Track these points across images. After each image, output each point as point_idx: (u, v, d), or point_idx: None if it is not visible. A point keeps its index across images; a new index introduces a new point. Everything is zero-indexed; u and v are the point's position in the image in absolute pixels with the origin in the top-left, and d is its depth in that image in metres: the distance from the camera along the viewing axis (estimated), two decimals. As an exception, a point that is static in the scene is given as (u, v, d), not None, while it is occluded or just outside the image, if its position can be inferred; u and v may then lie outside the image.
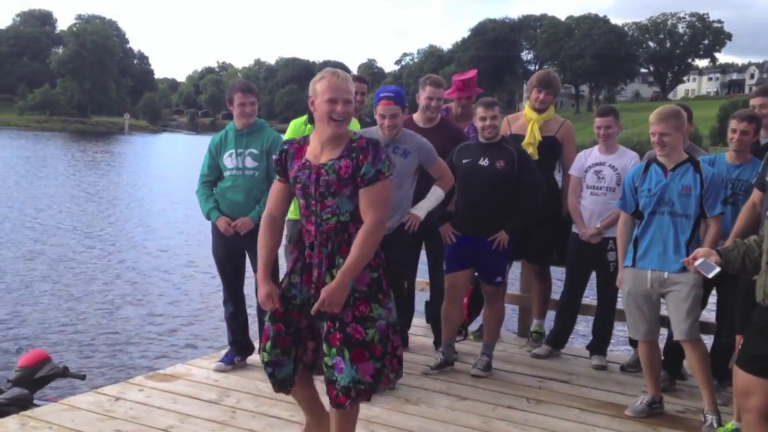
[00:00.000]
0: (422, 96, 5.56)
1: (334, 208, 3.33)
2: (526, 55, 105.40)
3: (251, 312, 5.66)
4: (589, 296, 6.14)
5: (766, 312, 3.45)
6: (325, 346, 3.35)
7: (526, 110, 5.96)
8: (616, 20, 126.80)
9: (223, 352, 5.54)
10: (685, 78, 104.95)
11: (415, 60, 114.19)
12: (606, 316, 5.74)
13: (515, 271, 6.61)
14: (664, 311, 4.75)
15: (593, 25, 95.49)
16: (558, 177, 6.12)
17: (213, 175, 5.42)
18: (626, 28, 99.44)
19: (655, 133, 4.58)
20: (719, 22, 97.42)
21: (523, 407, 4.82)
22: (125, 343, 9.71)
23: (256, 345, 4.77)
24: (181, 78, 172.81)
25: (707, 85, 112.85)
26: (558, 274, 6.30)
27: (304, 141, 3.51)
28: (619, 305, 5.34)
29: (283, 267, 4.11)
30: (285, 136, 5.52)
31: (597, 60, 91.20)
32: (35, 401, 5.16)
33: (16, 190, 26.33)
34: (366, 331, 3.31)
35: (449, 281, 5.42)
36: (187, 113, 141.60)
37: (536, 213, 5.46)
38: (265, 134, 5.34)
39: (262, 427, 4.28)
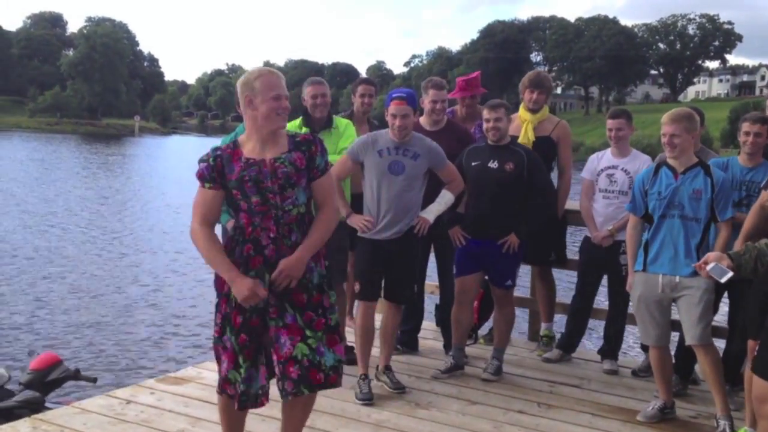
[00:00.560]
0: (426, 100, 5.56)
1: (294, 199, 3.40)
2: (536, 57, 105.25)
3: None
4: (600, 300, 6.11)
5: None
6: (308, 332, 3.40)
7: (521, 111, 5.94)
8: (625, 21, 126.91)
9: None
10: (695, 80, 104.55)
11: (424, 62, 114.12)
12: (618, 321, 5.71)
13: (525, 275, 6.60)
14: (675, 315, 4.73)
15: (603, 26, 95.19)
16: (553, 176, 6.07)
17: (223, 178, 5.40)
18: (636, 30, 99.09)
19: (666, 133, 4.56)
20: (730, 23, 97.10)
21: (534, 412, 4.81)
22: (136, 346, 9.75)
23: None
24: (190, 80, 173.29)
25: (718, 87, 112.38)
26: (567, 277, 6.28)
27: (234, 144, 3.49)
28: (631, 309, 5.31)
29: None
30: None
31: (606, 61, 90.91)
32: (47, 404, 5.19)
33: (31, 191, 26.46)
34: (330, 317, 3.50)
35: (459, 285, 5.41)
36: (197, 115, 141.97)
37: (546, 216, 5.46)
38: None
39: (272, 431, 4.28)
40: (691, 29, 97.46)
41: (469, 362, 5.63)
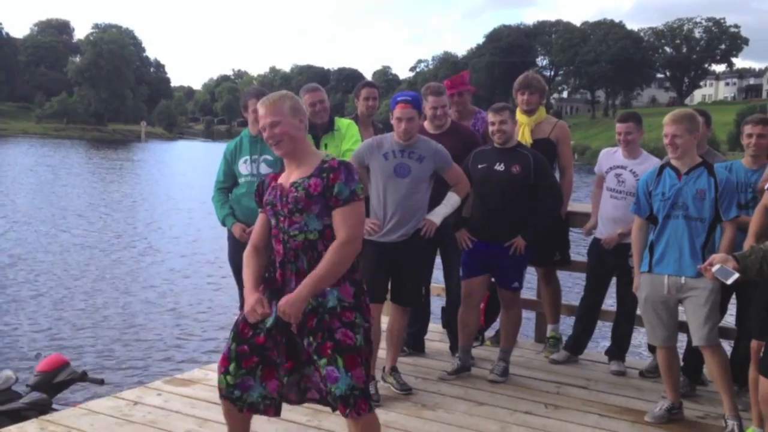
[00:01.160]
0: (427, 107, 5.55)
1: (302, 225, 3.31)
2: (542, 61, 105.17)
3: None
4: (608, 302, 6.10)
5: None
6: (322, 361, 3.29)
7: (518, 115, 5.94)
8: (632, 25, 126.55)
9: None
10: (701, 83, 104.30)
11: (430, 67, 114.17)
12: (626, 322, 5.70)
13: (531, 277, 6.59)
14: (682, 316, 4.72)
15: (609, 30, 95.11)
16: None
17: (228, 182, 5.43)
18: (642, 34, 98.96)
19: (667, 134, 4.57)
20: (736, 26, 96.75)
21: (541, 413, 4.80)
22: (143, 348, 9.77)
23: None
24: (197, 86, 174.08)
25: (724, 90, 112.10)
26: (573, 279, 6.28)
27: (280, 171, 3.53)
28: (638, 311, 5.30)
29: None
30: None
31: (613, 65, 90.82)
32: (54, 406, 5.21)
33: (42, 196, 26.57)
34: (356, 336, 3.31)
35: (466, 287, 5.40)
36: (203, 120, 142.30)
37: (553, 218, 5.46)
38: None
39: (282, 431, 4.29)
40: (697, 33, 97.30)
41: (476, 364, 5.63)
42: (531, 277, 6.50)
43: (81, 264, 15.09)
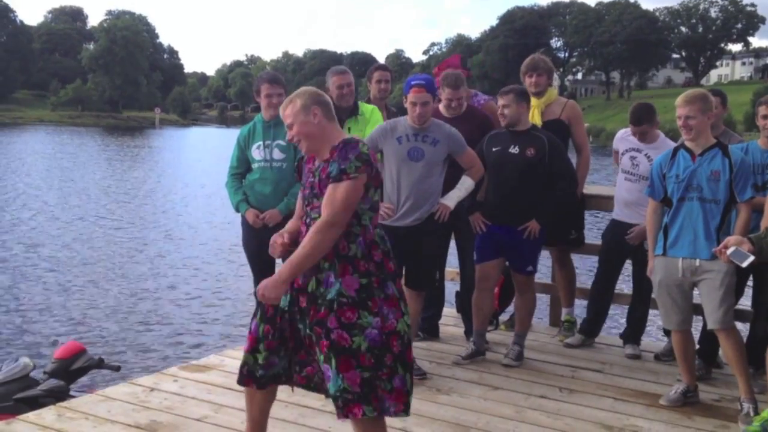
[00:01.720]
0: (443, 96, 5.52)
1: (320, 210, 3.29)
2: (556, 43, 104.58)
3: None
4: (622, 285, 6.08)
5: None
6: (320, 357, 3.27)
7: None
8: (647, 5, 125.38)
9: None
10: (717, 63, 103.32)
11: (443, 50, 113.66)
12: (641, 305, 5.68)
13: (546, 261, 6.57)
14: (697, 299, 4.69)
15: (624, 10, 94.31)
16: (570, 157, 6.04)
17: (242, 168, 5.44)
18: (657, 13, 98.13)
19: (681, 116, 4.53)
20: (752, 5, 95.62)
21: (556, 396, 4.80)
22: (160, 335, 9.83)
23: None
24: (210, 72, 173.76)
25: (740, 70, 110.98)
26: (588, 262, 6.25)
27: None
28: (653, 294, 5.28)
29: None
30: None
31: (628, 46, 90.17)
32: (71, 392, 5.26)
33: (58, 184, 26.73)
34: (352, 338, 3.17)
35: (480, 271, 5.39)
36: (217, 107, 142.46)
37: (567, 201, 5.43)
38: (293, 125, 5.34)
39: (295, 417, 4.31)
40: (713, 12, 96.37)
41: (491, 348, 5.63)
42: (545, 260, 6.49)
43: (97, 251, 15.18)
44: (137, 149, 49.35)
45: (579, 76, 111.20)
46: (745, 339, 4.81)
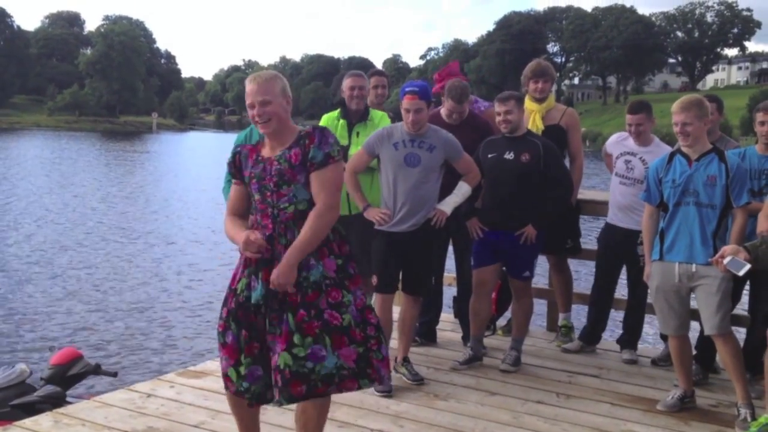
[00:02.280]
0: (445, 105, 5.53)
1: (290, 197, 3.33)
2: (552, 48, 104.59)
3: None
4: (619, 290, 6.08)
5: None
6: (296, 337, 3.25)
7: (527, 102, 5.90)
8: (643, 10, 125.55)
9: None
10: (714, 68, 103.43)
11: (440, 54, 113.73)
12: (637, 310, 5.68)
13: (542, 266, 6.58)
14: (694, 304, 4.69)
15: (620, 15, 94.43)
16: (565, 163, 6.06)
17: (239, 173, 5.43)
18: (654, 18, 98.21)
19: (677, 122, 4.53)
20: (748, 10, 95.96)
21: (553, 402, 4.80)
22: (156, 341, 9.82)
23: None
24: (207, 77, 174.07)
25: (737, 75, 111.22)
26: (585, 267, 6.25)
27: (258, 143, 3.54)
28: (650, 299, 5.28)
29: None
30: None
31: (624, 51, 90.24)
32: (68, 398, 5.25)
33: (55, 189, 26.71)
34: (342, 316, 3.31)
35: (477, 276, 5.40)
36: (214, 111, 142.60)
37: (563, 206, 5.44)
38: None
39: (292, 423, 4.28)
40: (709, 17, 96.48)
41: (488, 353, 5.62)
42: (542, 265, 6.50)
43: (94, 256, 15.17)
44: (134, 154, 49.31)
45: (576, 80, 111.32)
46: (741, 344, 4.81)
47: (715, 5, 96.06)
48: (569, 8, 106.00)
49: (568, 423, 4.46)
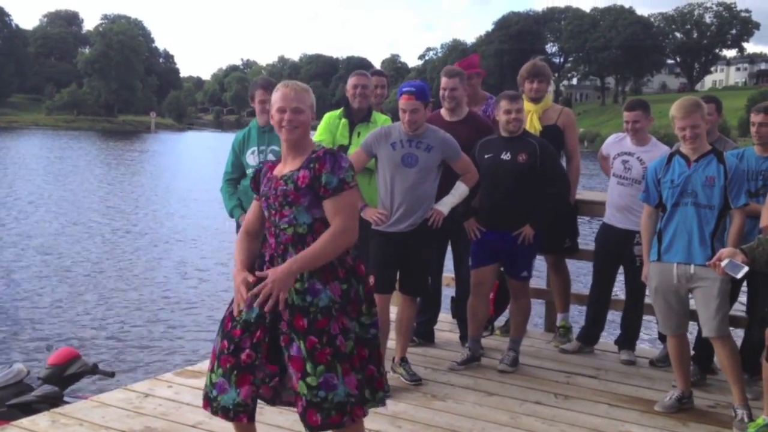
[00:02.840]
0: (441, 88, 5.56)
1: (291, 219, 3.27)
2: (551, 48, 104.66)
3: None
4: (617, 290, 6.09)
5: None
6: (309, 366, 3.19)
7: (524, 103, 5.90)
8: (642, 11, 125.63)
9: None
10: (712, 68, 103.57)
11: (439, 54, 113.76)
12: (635, 311, 5.69)
13: (540, 266, 6.58)
14: (693, 305, 4.70)
15: (618, 16, 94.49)
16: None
17: (236, 173, 5.43)
18: (652, 19, 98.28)
19: (685, 127, 4.51)
20: (747, 11, 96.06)
21: (551, 403, 4.80)
22: (154, 340, 9.82)
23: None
24: (206, 76, 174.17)
25: (735, 76, 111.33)
26: (582, 268, 6.25)
27: (278, 160, 3.49)
28: (647, 300, 5.28)
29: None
30: (318, 129, 5.53)
31: (623, 51, 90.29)
32: (65, 398, 5.24)
33: (53, 189, 26.69)
34: (347, 342, 3.27)
35: (475, 277, 5.40)
36: (212, 111, 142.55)
37: (561, 204, 5.44)
38: (287, 131, 5.32)
39: (290, 423, 4.29)
40: (707, 18, 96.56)
41: (486, 354, 5.63)
42: (540, 265, 6.50)
43: (92, 256, 15.15)
44: (133, 153, 49.30)
45: (574, 81, 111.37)
46: (739, 345, 4.81)
47: (713, 6, 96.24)
48: (568, 9, 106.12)
49: (565, 424, 4.46)
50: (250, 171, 5.32)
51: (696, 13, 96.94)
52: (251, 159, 5.32)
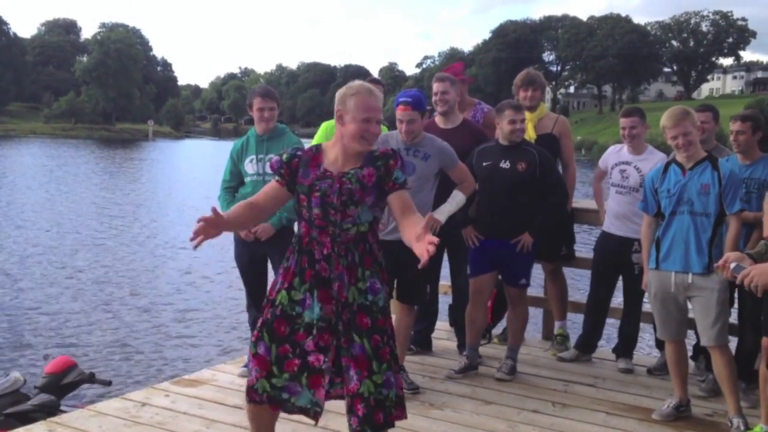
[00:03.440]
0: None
1: (355, 218, 3.25)
2: (548, 56, 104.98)
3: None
4: (614, 299, 6.09)
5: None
6: (375, 364, 3.21)
7: None
8: (638, 19, 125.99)
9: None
10: (709, 77, 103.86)
11: (437, 63, 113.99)
12: (632, 319, 5.69)
13: (538, 274, 6.58)
14: (691, 313, 4.70)
15: (615, 24, 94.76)
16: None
17: (235, 181, 5.43)
18: (649, 28, 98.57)
19: (677, 135, 4.53)
20: (743, 19, 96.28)
21: (549, 411, 4.79)
22: (151, 349, 9.79)
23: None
24: (203, 84, 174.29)
25: (732, 84, 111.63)
26: (579, 276, 6.26)
27: (316, 149, 3.41)
28: (646, 308, 5.28)
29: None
30: (315, 137, 5.53)
31: (620, 60, 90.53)
32: (62, 407, 5.22)
33: (51, 197, 26.67)
34: (395, 344, 3.39)
35: (474, 285, 5.39)
36: (210, 119, 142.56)
37: (559, 214, 5.45)
38: (286, 139, 5.33)
39: (290, 427, 4.28)
40: (704, 26, 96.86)
41: (483, 362, 5.62)
42: (538, 273, 6.50)
43: (89, 265, 15.13)
44: (131, 161, 49.30)
45: (571, 89, 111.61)
46: (733, 351, 4.82)
47: (710, 15, 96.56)
48: (565, 17, 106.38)
49: (563, 432, 4.45)
50: (248, 179, 5.32)
51: (692, 21, 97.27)
52: (249, 167, 5.32)
